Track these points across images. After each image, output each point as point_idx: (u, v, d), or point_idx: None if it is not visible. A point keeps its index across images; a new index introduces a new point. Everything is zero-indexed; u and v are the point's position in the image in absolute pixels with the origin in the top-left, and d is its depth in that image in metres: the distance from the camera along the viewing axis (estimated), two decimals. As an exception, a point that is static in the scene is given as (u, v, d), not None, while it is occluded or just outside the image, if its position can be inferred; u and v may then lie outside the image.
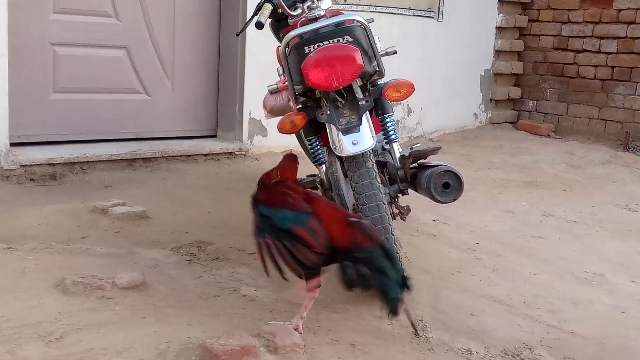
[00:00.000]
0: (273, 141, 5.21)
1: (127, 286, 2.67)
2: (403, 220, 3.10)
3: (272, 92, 3.65)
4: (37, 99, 4.51)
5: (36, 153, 4.32)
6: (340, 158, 2.93)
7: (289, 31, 3.04)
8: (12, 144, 4.23)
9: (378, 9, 5.76)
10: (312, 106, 2.95)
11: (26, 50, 4.41)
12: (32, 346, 2.21)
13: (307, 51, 2.80)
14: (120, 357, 2.19)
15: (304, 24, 3.00)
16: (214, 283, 2.92)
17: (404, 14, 6.05)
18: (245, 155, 5.10)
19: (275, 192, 2.49)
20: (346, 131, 2.78)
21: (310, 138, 3.02)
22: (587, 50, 6.66)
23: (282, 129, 2.93)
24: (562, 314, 2.99)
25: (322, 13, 3.03)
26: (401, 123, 6.14)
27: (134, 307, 2.56)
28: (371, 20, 2.95)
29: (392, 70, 3.06)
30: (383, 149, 3.12)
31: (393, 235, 2.76)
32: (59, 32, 4.54)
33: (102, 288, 2.62)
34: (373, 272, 2.30)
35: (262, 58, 4.99)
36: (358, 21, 2.86)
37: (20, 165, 4.17)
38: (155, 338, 2.31)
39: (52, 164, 4.30)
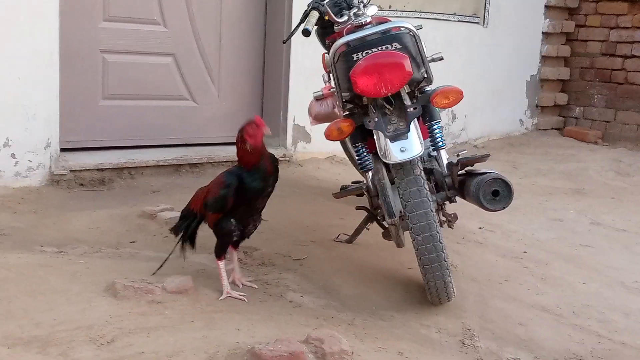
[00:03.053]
0: (317, 147, 5.22)
1: (176, 290, 2.70)
2: (450, 227, 3.08)
3: (317, 99, 3.65)
4: (87, 106, 4.59)
5: (85, 158, 4.40)
6: (386, 165, 2.92)
7: (334, 38, 3.05)
8: (62, 150, 4.32)
9: (423, 14, 5.73)
10: (359, 113, 2.96)
11: (77, 58, 4.49)
12: (84, 349, 2.25)
13: (355, 58, 2.80)
14: (170, 361, 2.21)
15: (350, 31, 3.01)
16: (261, 288, 2.94)
17: (449, 20, 6.02)
18: (289, 161, 5.12)
19: None
20: (394, 138, 2.78)
21: (356, 145, 3.03)
22: (635, 56, 6.53)
23: (329, 136, 2.94)
24: (613, 325, 2.94)
25: (368, 20, 3.03)
26: (445, 129, 6.10)
27: (183, 311, 2.58)
28: (420, 27, 2.94)
29: (437, 76, 3.04)
30: (430, 155, 3.10)
31: (441, 243, 2.74)
32: (109, 40, 4.62)
33: (152, 292, 2.66)
34: None
35: (306, 65, 5.01)
36: (407, 28, 2.86)
37: (70, 171, 4.25)
38: (204, 342, 2.33)
39: (101, 169, 4.37)
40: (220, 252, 2.85)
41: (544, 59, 6.90)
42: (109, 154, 4.55)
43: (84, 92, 4.57)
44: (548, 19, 6.81)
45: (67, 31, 4.35)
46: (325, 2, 3.14)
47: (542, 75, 6.91)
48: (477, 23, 6.29)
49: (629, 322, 2.99)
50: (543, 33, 6.83)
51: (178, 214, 3.65)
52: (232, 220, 2.81)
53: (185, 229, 2.95)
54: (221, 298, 2.77)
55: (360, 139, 3.01)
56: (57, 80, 4.17)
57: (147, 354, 2.24)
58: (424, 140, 2.89)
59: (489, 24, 6.34)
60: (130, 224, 3.60)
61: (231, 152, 4.89)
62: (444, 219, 3.04)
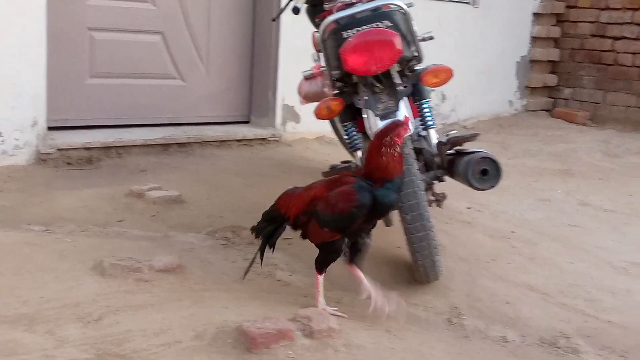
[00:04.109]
0: (306, 127, 5.21)
1: (163, 269, 2.70)
2: (439, 207, 3.08)
3: (307, 78, 3.64)
4: (74, 84, 4.55)
5: (73, 137, 4.36)
6: (376, 144, 2.91)
7: (325, 16, 3.03)
8: (49, 128, 4.27)
9: (414, -6, 5.70)
10: (348, 92, 2.94)
11: (64, 35, 4.44)
12: (71, 327, 2.24)
13: (345, 36, 2.79)
14: (157, 338, 2.21)
15: (340, 9, 2.99)
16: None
17: (441, 0, 6.00)
18: (278, 141, 5.11)
19: None
20: (384, 117, 2.77)
21: (346, 124, 3.02)
22: (625, 37, 6.54)
23: (318, 115, 2.93)
24: (599, 304, 2.96)
25: (358, -2, 3.01)
26: (435, 110, 6.06)
27: (170, 289, 2.58)
28: (411, 5, 2.93)
29: (428, 56, 3.03)
30: (419, 135, 3.10)
31: (430, 222, 2.74)
32: (96, 17, 4.57)
33: (140, 270, 2.65)
34: None
35: (296, 44, 4.98)
36: (397, 5, 2.84)
37: (57, 149, 4.22)
38: (192, 320, 2.33)
39: (89, 148, 4.34)
40: (322, 267, 2.55)
41: (534, 39, 6.89)
42: (96, 132, 4.51)
43: (72, 70, 4.53)
44: (539, 0, 6.79)
45: (55, 8, 4.30)
46: (315, -21, 3.12)
47: (532, 56, 6.91)
48: (468, 3, 6.24)
49: (615, 301, 3.01)
50: (533, 14, 6.82)
51: (166, 193, 3.67)
52: (345, 238, 2.51)
53: (269, 235, 2.62)
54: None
55: (349, 118, 3.00)
56: (44, 58, 4.13)
57: (134, 332, 2.23)
58: (413, 119, 2.88)
59: (480, 4, 6.29)
60: (118, 202, 3.58)
61: (219, 132, 4.90)
62: (433, 198, 3.03)
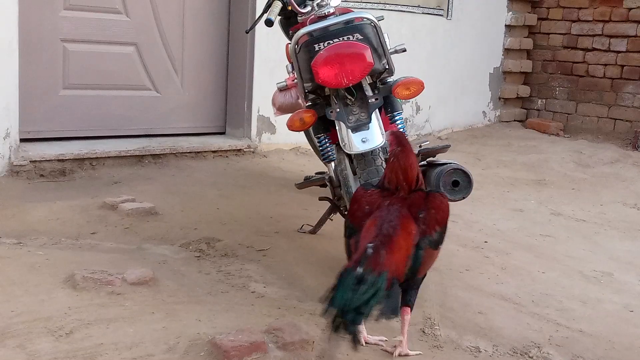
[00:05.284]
0: (281, 138, 5.22)
1: (136, 282, 2.68)
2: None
3: (281, 90, 3.66)
4: (47, 95, 4.53)
5: (46, 149, 4.34)
6: (349, 155, 2.93)
7: (298, 29, 3.04)
8: (22, 140, 4.25)
9: (387, 6, 5.76)
10: (321, 104, 2.96)
11: (36, 47, 4.43)
12: (42, 341, 2.23)
13: (317, 49, 2.80)
14: (129, 352, 2.20)
15: (313, 21, 3.01)
16: (223, 279, 2.93)
17: (413, 12, 6.05)
18: (253, 152, 5.11)
19: None
20: (355, 129, 2.79)
21: (319, 135, 3.03)
22: (596, 49, 6.64)
23: (291, 127, 2.94)
24: (570, 313, 2.99)
25: (331, 10, 3.03)
26: (409, 121, 6.14)
27: (143, 302, 2.57)
28: (381, 18, 2.95)
29: (401, 68, 3.06)
30: (391, 146, 3.12)
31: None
32: (69, 29, 4.56)
33: (112, 283, 2.63)
34: None
35: (271, 55, 5.00)
36: (368, 19, 2.87)
37: (30, 161, 4.19)
38: (164, 333, 2.32)
39: (62, 160, 4.32)
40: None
41: (507, 51, 6.97)
42: (69, 144, 4.49)
43: (44, 81, 4.51)
44: (511, 12, 6.88)
45: (27, 19, 4.29)
46: (288, -8, 3.13)
47: (505, 68, 6.99)
48: (441, 15, 6.33)
49: (586, 310, 3.04)
50: (506, 26, 6.91)
51: (140, 205, 3.65)
52: None
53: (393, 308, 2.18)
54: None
55: (322, 130, 3.01)
56: (17, 70, 4.11)
57: (106, 345, 2.22)
58: (385, 131, 2.91)
59: (453, 16, 6.39)
60: (91, 215, 3.57)
61: (194, 144, 4.90)
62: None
